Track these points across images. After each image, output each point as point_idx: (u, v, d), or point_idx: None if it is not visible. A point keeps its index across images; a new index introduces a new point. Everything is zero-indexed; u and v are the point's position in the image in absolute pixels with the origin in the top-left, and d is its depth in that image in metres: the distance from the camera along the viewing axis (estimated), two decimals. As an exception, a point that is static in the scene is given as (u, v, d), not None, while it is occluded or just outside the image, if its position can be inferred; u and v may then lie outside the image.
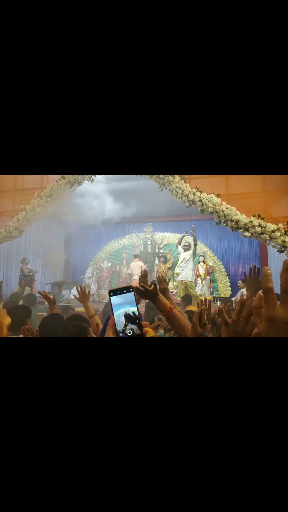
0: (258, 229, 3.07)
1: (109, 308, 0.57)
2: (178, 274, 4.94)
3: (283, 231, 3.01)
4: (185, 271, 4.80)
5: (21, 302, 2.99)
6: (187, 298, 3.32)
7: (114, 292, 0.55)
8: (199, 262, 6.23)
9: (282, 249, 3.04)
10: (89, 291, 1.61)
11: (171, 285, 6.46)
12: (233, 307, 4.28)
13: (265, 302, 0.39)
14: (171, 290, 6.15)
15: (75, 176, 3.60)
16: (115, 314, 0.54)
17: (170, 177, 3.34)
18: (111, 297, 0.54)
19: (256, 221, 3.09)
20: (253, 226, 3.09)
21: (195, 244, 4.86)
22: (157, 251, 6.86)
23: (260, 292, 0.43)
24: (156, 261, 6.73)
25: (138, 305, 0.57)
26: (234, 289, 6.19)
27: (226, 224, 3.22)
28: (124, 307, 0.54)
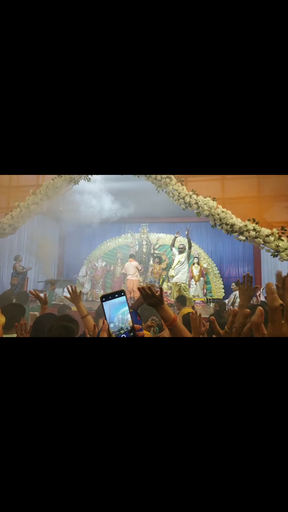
0: (253, 233, 3.11)
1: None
2: (173, 276, 4.96)
3: (277, 235, 3.06)
4: (180, 274, 4.81)
5: (13, 300, 2.94)
6: (182, 300, 3.34)
7: (106, 297, 0.55)
8: (194, 264, 6.27)
9: (276, 253, 3.09)
10: (81, 291, 1.58)
11: (165, 286, 6.48)
12: (227, 308, 4.32)
13: (271, 321, 0.39)
14: (165, 291, 6.18)
15: (71, 174, 3.57)
16: (108, 319, 0.54)
17: (167, 179, 3.34)
18: (103, 303, 0.55)
19: (251, 225, 3.13)
20: (248, 230, 3.13)
21: (190, 247, 4.88)
22: (152, 251, 6.86)
23: (260, 307, 0.43)
24: (151, 262, 6.73)
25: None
26: (227, 291, 6.25)
27: (221, 227, 3.25)
28: (116, 311, 0.55)
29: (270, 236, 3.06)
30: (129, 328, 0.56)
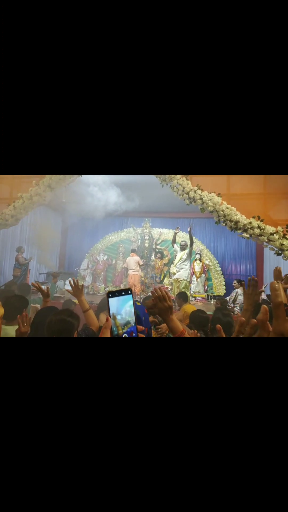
0: (257, 230, 3.07)
1: (105, 303, 0.58)
2: (174, 273, 4.95)
3: (281, 234, 3.02)
4: (182, 270, 4.80)
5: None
6: (183, 296, 3.33)
7: (112, 294, 0.55)
8: (195, 260, 6.25)
9: (280, 252, 3.05)
10: (83, 284, 1.56)
11: (166, 282, 6.48)
12: (228, 306, 4.32)
13: (275, 317, 0.40)
14: (166, 286, 6.19)
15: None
16: (115, 311, 0.54)
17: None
18: (110, 299, 0.55)
19: (255, 223, 3.09)
20: (252, 228, 3.09)
21: (191, 244, 4.85)
22: (154, 246, 6.84)
23: (264, 306, 0.43)
24: (153, 257, 6.72)
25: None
26: (229, 288, 6.24)
27: (225, 224, 3.21)
28: (122, 309, 0.55)
29: (274, 234, 3.02)
30: (134, 324, 0.55)
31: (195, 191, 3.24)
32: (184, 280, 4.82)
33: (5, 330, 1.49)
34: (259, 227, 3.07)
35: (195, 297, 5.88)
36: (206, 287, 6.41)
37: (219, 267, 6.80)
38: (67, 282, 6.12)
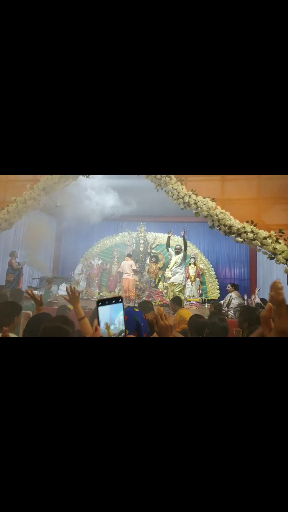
0: (251, 235, 3.10)
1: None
2: (169, 278, 4.95)
3: (274, 238, 3.06)
4: (177, 275, 4.81)
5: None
6: (177, 300, 3.32)
7: (102, 302, 0.54)
8: (190, 264, 6.27)
9: (273, 256, 3.09)
10: (79, 292, 1.53)
11: (161, 286, 6.47)
12: (224, 307, 4.34)
13: (277, 315, 0.40)
14: (160, 290, 6.18)
15: (70, 170, 3.51)
16: (101, 326, 0.53)
17: (167, 178, 3.32)
18: (99, 307, 0.54)
19: (249, 227, 3.13)
20: (246, 232, 3.12)
21: (185, 248, 4.88)
22: (149, 250, 6.84)
23: (270, 304, 0.43)
24: (148, 261, 6.72)
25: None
26: (223, 292, 6.27)
27: (220, 229, 3.24)
28: (111, 318, 0.54)
29: (267, 239, 3.06)
30: (123, 336, 0.55)
31: (189, 196, 3.27)
32: (179, 284, 4.83)
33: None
34: (252, 231, 3.11)
35: (189, 301, 5.88)
36: (200, 291, 6.43)
37: (213, 271, 6.84)
38: (60, 287, 6.05)
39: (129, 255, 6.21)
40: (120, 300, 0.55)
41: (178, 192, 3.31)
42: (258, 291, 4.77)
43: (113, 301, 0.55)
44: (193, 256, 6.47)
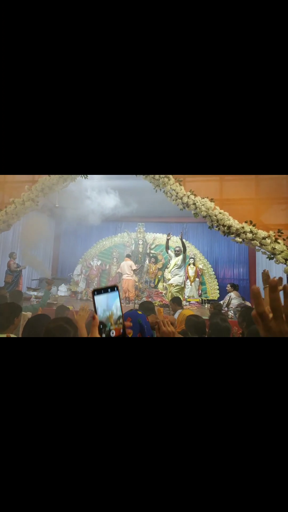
0: (249, 235, 3.11)
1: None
2: (169, 279, 4.96)
3: (273, 238, 3.06)
4: (177, 276, 4.81)
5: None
6: (177, 301, 3.32)
7: (98, 291, 0.54)
8: (189, 264, 6.27)
9: (272, 256, 3.09)
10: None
11: (160, 286, 6.47)
12: (224, 307, 4.34)
13: (261, 319, 0.42)
14: (160, 291, 6.17)
15: (69, 171, 3.51)
16: (98, 313, 0.53)
17: (165, 179, 3.32)
18: (95, 296, 0.53)
19: (247, 227, 3.13)
20: (245, 232, 3.13)
21: (185, 250, 4.89)
22: (148, 251, 6.84)
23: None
24: (147, 262, 6.71)
25: (122, 305, 0.56)
26: (223, 292, 6.28)
27: (218, 229, 3.25)
28: (108, 306, 0.54)
29: (266, 239, 3.07)
30: (121, 323, 0.55)
31: (188, 197, 3.27)
32: (178, 285, 4.83)
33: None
34: (251, 231, 3.11)
35: (189, 301, 5.88)
36: (200, 291, 6.43)
37: (213, 271, 6.84)
38: (60, 288, 6.04)
39: (128, 256, 6.21)
40: (115, 288, 0.55)
41: (177, 193, 3.31)
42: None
43: (109, 290, 0.54)
44: (192, 256, 6.47)
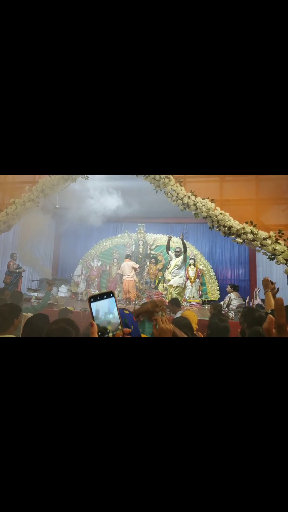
0: (250, 236, 3.10)
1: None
2: (169, 280, 4.96)
3: (274, 239, 3.06)
4: (177, 277, 4.81)
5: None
6: (176, 302, 3.32)
7: (94, 298, 0.54)
8: (190, 265, 6.27)
9: (272, 256, 3.09)
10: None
11: (160, 287, 6.46)
12: (224, 308, 4.33)
13: (278, 332, 0.42)
14: (160, 292, 6.17)
15: (69, 172, 3.52)
16: (96, 320, 0.53)
17: (166, 180, 3.32)
18: (91, 303, 0.53)
19: (248, 228, 3.13)
20: (245, 233, 3.12)
21: (185, 251, 4.89)
22: (148, 252, 6.84)
23: (271, 316, 0.45)
24: (147, 262, 6.71)
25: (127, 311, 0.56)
26: (223, 293, 6.26)
27: (219, 229, 3.24)
28: (105, 313, 0.54)
29: (267, 239, 3.06)
30: (119, 328, 0.55)
31: (188, 197, 3.27)
32: (179, 286, 4.82)
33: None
34: (252, 232, 3.11)
35: (189, 302, 5.87)
36: (200, 292, 6.42)
37: (213, 272, 6.84)
38: (60, 289, 6.03)
39: (128, 256, 6.20)
40: (111, 294, 0.55)
41: (177, 194, 3.31)
42: (258, 292, 4.77)
43: (105, 296, 0.54)
44: (193, 257, 6.47)
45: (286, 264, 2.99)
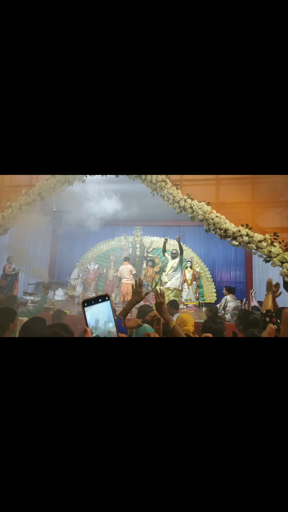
0: (246, 238, 3.13)
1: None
2: (166, 282, 4.95)
3: (269, 241, 3.09)
4: (173, 279, 4.81)
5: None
6: (174, 304, 3.32)
7: (88, 303, 0.50)
8: (186, 268, 6.28)
9: (268, 259, 3.12)
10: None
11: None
12: (220, 311, 4.34)
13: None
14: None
15: (66, 175, 3.52)
16: (90, 327, 0.49)
17: (162, 183, 3.34)
18: (85, 308, 0.50)
19: (244, 231, 3.16)
20: (241, 235, 3.15)
21: (181, 253, 4.90)
22: (145, 254, 6.84)
23: (271, 325, 0.46)
24: (144, 265, 6.71)
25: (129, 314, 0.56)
26: (220, 295, 6.28)
27: (215, 232, 3.27)
28: (100, 319, 0.50)
29: (262, 242, 3.09)
30: (115, 335, 0.52)
31: (185, 200, 3.30)
32: (175, 289, 4.83)
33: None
34: (247, 235, 3.13)
35: (186, 305, 5.88)
36: (197, 295, 6.43)
37: (210, 274, 6.86)
38: (57, 292, 5.99)
39: (126, 259, 6.19)
40: (106, 298, 0.52)
41: (174, 197, 3.33)
42: (253, 293, 4.79)
43: (100, 300, 0.51)
44: (190, 259, 6.49)
45: (281, 266, 3.02)
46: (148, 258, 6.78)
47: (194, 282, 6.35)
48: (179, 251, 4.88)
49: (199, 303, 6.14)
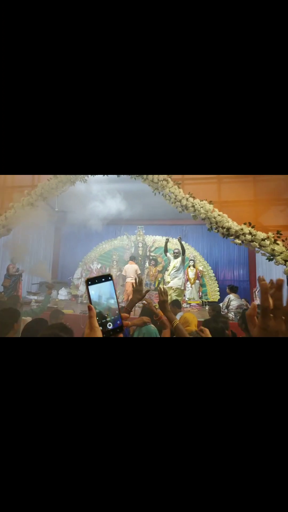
0: (249, 237, 3.11)
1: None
2: (168, 282, 4.95)
3: (272, 239, 3.07)
4: (176, 279, 4.80)
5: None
6: (177, 303, 3.32)
7: (92, 281, 0.51)
8: (189, 266, 6.27)
9: (271, 257, 3.09)
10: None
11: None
12: (223, 309, 4.32)
13: (262, 315, 0.42)
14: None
15: (68, 175, 3.53)
16: (93, 303, 0.51)
17: (164, 182, 3.33)
18: (89, 286, 0.51)
19: (246, 229, 3.14)
20: (244, 234, 3.13)
21: (183, 253, 4.89)
22: (148, 254, 6.84)
23: (254, 302, 0.47)
24: (147, 264, 6.71)
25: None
26: (223, 294, 6.26)
27: (218, 231, 3.25)
28: (103, 297, 0.52)
29: (265, 240, 3.07)
30: (117, 314, 0.53)
31: (187, 199, 3.28)
32: (178, 288, 4.82)
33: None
34: (250, 233, 3.11)
35: (190, 303, 5.87)
36: (200, 294, 6.42)
37: (213, 273, 6.84)
38: (60, 292, 6.03)
39: (132, 258, 6.17)
40: (109, 277, 0.53)
41: (176, 196, 3.32)
42: (257, 292, 4.77)
43: (103, 279, 0.52)
44: (192, 258, 6.47)
45: (285, 264, 3.00)
46: (151, 257, 6.78)
47: (197, 281, 6.34)
48: (181, 251, 4.88)
49: (202, 302, 6.13)
